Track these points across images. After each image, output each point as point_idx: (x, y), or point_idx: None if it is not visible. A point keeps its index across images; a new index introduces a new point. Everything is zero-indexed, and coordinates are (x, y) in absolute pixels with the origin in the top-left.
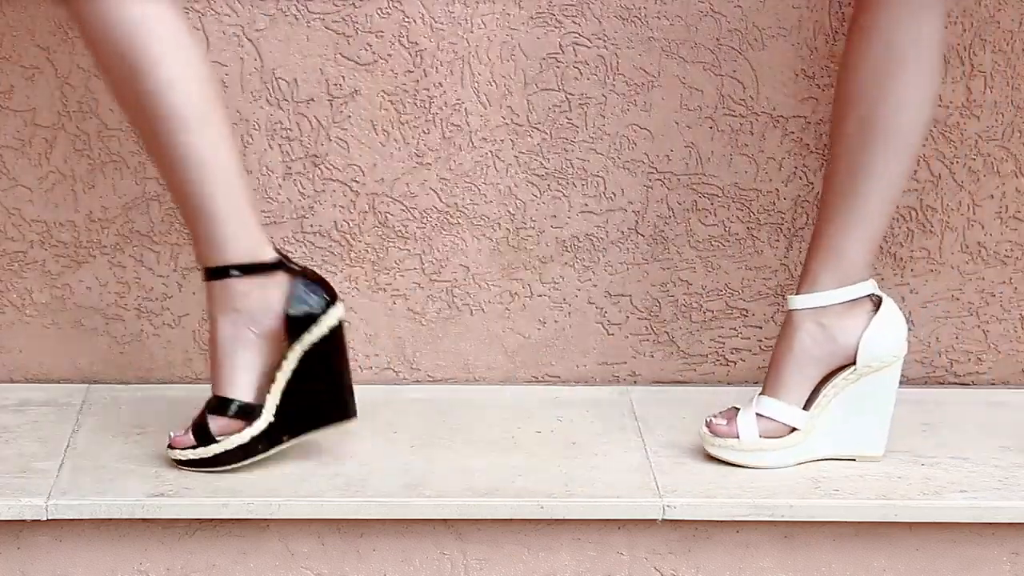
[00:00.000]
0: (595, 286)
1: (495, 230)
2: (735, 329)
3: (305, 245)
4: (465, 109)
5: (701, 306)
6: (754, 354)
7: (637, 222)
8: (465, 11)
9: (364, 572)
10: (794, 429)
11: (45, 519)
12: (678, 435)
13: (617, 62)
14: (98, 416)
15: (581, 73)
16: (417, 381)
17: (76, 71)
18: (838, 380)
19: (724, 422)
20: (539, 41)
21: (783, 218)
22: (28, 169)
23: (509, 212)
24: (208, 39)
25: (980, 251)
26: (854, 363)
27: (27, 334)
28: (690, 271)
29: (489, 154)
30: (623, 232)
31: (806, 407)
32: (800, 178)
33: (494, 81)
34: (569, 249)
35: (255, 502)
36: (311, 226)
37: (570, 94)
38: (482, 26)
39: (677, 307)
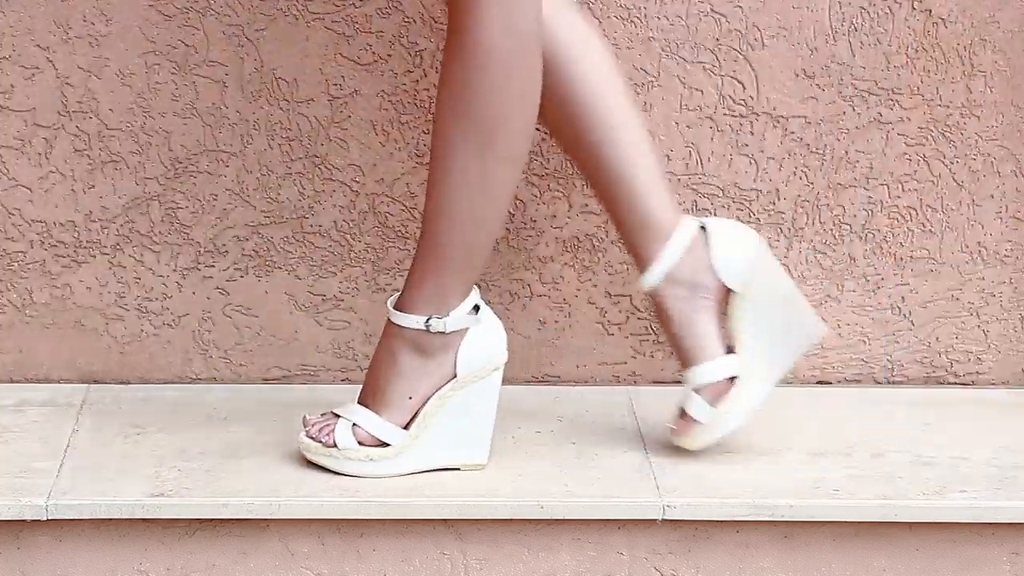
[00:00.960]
0: (595, 286)
1: None
2: None
3: (305, 245)
4: None
5: None
6: None
7: None
8: None
9: (364, 572)
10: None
11: (45, 519)
12: None
13: (617, 62)
14: (98, 416)
15: None
16: None
17: (76, 71)
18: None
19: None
20: None
21: (783, 218)
22: (28, 169)
23: (509, 212)
24: (208, 39)
25: (980, 251)
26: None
27: (27, 334)
28: None
29: None
30: None
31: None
32: (800, 178)
33: None
34: (569, 249)
35: (255, 502)
36: (311, 226)
37: None
38: None
39: None
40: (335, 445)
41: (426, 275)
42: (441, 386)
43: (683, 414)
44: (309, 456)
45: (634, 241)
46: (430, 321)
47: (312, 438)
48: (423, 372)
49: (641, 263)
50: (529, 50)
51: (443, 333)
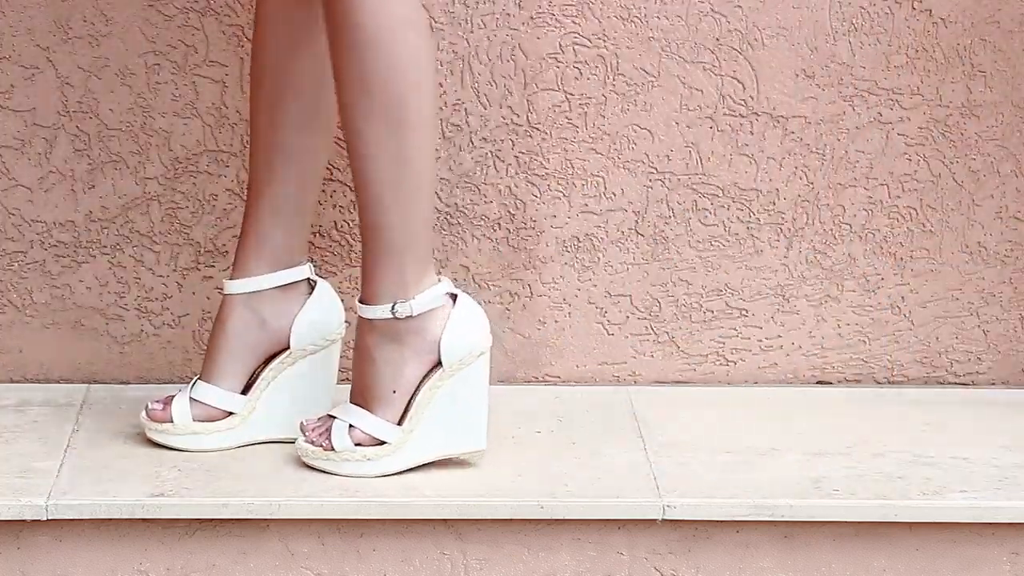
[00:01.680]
0: (595, 286)
1: (495, 230)
2: (735, 329)
3: None
4: (465, 109)
5: (701, 306)
6: (754, 354)
7: (637, 222)
8: (465, 11)
9: (364, 572)
10: (230, 413)
11: (45, 519)
12: (678, 435)
13: (617, 62)
14: (98, 416)
15: (581, 73)
16: None
17: (76, 71)
18: (275, 364)
19: (160, 407)
20: (539, 41)
21: (783, 218)
22: (28, 169)
23: (509, 212)
24: (208, 39)
25: (980, 251)
26: (288, 348)
27: (27, 334)
28: (690, 271)
29: (489, 154)
30: (623, 232)
31: (246, 391)
32: (800, 178)
33: (494, 81)
34: (569, 249)
35: (255, 502)
36: (311, 226)
37: (570, 94)
38: (482, 26)
39: (677, 307)
40: (332, 448)
41: (378, 262)
42: (425, 375)
43: (166, 405)
44: (307, 461)
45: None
46: (395, 307)
47: (311, 443)
48: (401, 362)
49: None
50: (409, 21)
51: (412, 317)
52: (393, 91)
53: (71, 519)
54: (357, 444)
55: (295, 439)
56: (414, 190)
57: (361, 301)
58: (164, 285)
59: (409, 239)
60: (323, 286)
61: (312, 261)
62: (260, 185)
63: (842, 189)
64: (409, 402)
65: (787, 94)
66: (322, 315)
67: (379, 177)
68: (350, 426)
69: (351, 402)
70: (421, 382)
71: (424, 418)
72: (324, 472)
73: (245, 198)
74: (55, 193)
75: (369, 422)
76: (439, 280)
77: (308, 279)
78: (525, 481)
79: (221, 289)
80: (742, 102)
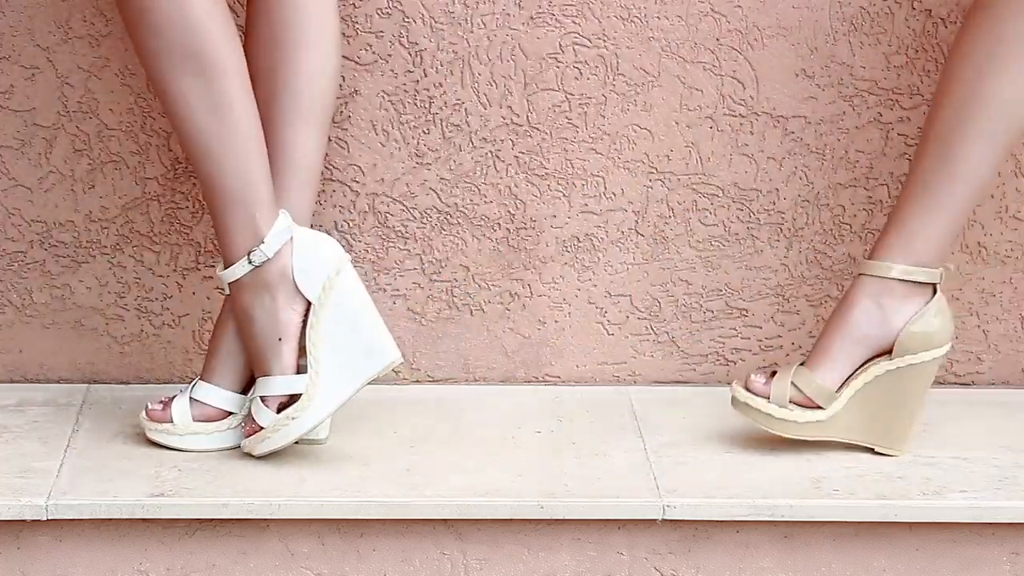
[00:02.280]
0: (595, 286)
1: (495, 230)
2: (735, 329)
3: None
4: (465, 109)
5: (701, 306)
6: (754, 354)
7: (637, 222)
8: (465, 11)
9: (364, 572)
10: (229, 413)
11: (45, 519)
12: (678, 435)
13: (617, 62)
14: (98, 416)
15: (581, 73)
16: (417, 381)
17: (76, 71)
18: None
19: (160, 407)
20: (539, 41)
21: (783, 218)
22: (28, 169)
23: (509, 212)
24: None
25: (980, 251)
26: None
27: (27, 334)
28: (690, 271)
29: (489, 154)
30: (623, 232)
31: (246, 391)
32: (800, 178)
33: (494, 81)
34: (569, 249)
35: (255, 502)
36: (310, 226)
37: (570, 94)
38: (482, 26)
39: (677, 307)
40: (262, 427)
41: (222, 219)
42: (304, 316)
43: (165, 406)
44: (249, 451)
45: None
46: (252, 255)
47: (247, 436)
48: (275, 309)
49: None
50: None
51: (269, 259)
52: (191, 42)
53: (71, 519)
54: (279, 411)
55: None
56: (234, 137)
57: (223, 266)
58: (164, 285)
59: (246, 187)
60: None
61: None
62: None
63: (842, 189)
64: (302, 349)
65: (787, 94)
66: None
67: (193, 127)
68: (261, 399)
69: (254, 376)
70: (304, 324)
71: (321, 356)
72: (267, 454)
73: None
74: (55, 193)
75: (274, 384)
76: (280, 216)
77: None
78: (525, 481)
79: (221, 289)
80: (742, 102)
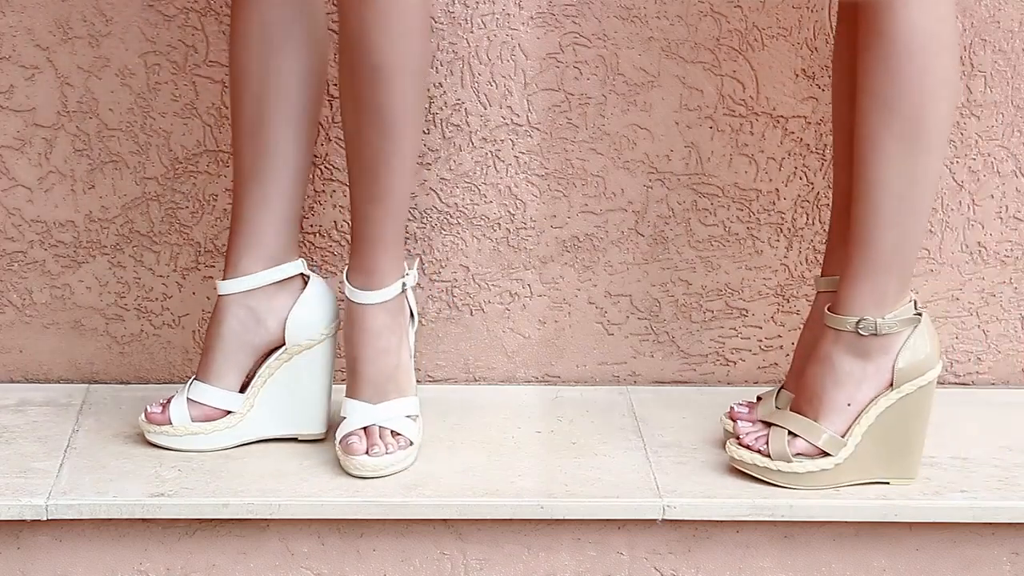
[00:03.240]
0: (595, 286)
1: (495, 230)
2: (735, 329)
3: (305, 245)
4: (465, 109)
5: (701, 306)
6: (754, 354)
7: (637, 222)
8: (465, 11)
9: (364, 572)
10: (228, 412)
11: (45, 519)
12: (678, 435)
13: (617, 62)
14: (98, 416)
15: (581, 73)
16: (417, 381)
17: (76, 71)
18: (271, 361)
19: (158, 410)
20: (539, 41)
21: (783, 218)
22: (28, 169)
23: (509, 212)
24: (208, 39)
25: (980, 251)
26: (283, 344)
27: (27, 334)
28: (690, 271)
29: (489, 154)
30: (623, 232)
31: (243, 390)
32: (800, 178)
33: (494, 81)
34: (569, 249)
35: (255, 502)
36: (311, 226)
37: (570, 94)
38: (482, 26)
39: (677, 307)
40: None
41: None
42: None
43: (164, 408)
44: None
45: (262, 230)
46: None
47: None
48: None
49: (237, 259)
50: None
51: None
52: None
53: (71, 519)
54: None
55: (294, 437)
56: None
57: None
58: (164, 285)
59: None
60: (316, 281)
61: (312, 261)
62: (248, 183)
63: None
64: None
65: (787, 94)
66: (316, 310)
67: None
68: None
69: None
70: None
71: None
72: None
73: (232, 197)
74: (55, 193)
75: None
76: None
77: (302, 274)
78: (525, 481)
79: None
80: (742, 102)
